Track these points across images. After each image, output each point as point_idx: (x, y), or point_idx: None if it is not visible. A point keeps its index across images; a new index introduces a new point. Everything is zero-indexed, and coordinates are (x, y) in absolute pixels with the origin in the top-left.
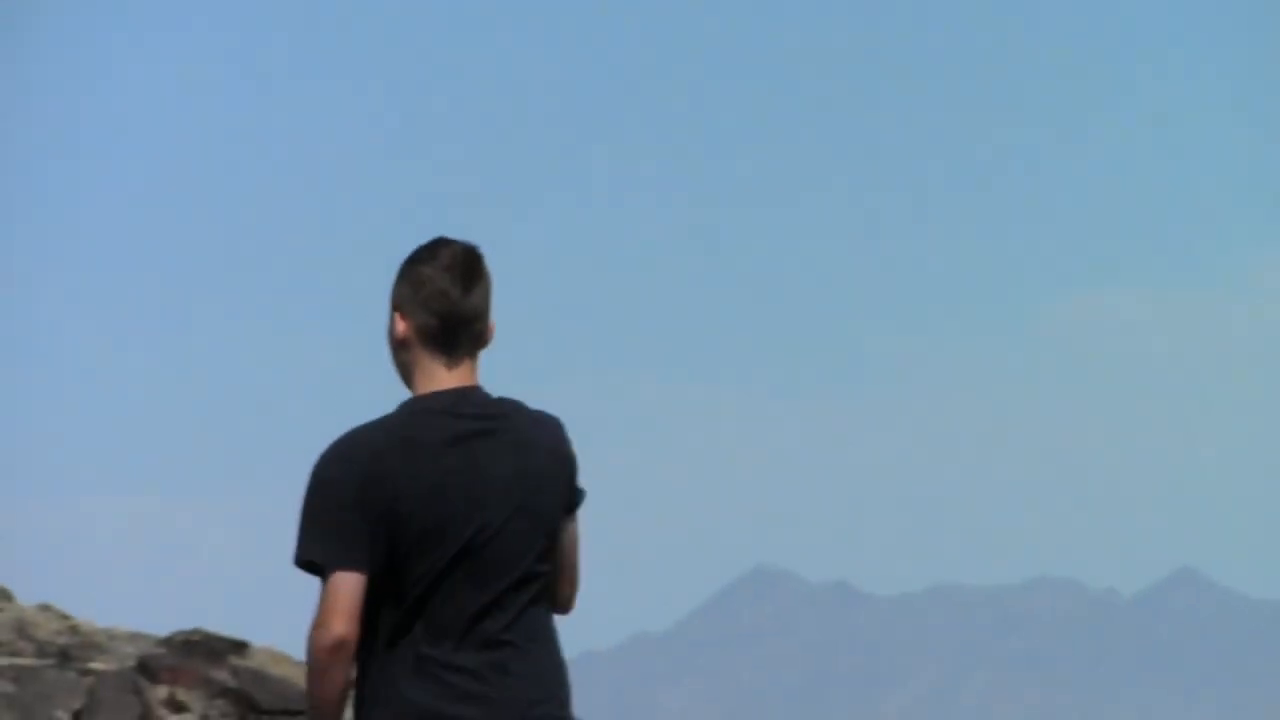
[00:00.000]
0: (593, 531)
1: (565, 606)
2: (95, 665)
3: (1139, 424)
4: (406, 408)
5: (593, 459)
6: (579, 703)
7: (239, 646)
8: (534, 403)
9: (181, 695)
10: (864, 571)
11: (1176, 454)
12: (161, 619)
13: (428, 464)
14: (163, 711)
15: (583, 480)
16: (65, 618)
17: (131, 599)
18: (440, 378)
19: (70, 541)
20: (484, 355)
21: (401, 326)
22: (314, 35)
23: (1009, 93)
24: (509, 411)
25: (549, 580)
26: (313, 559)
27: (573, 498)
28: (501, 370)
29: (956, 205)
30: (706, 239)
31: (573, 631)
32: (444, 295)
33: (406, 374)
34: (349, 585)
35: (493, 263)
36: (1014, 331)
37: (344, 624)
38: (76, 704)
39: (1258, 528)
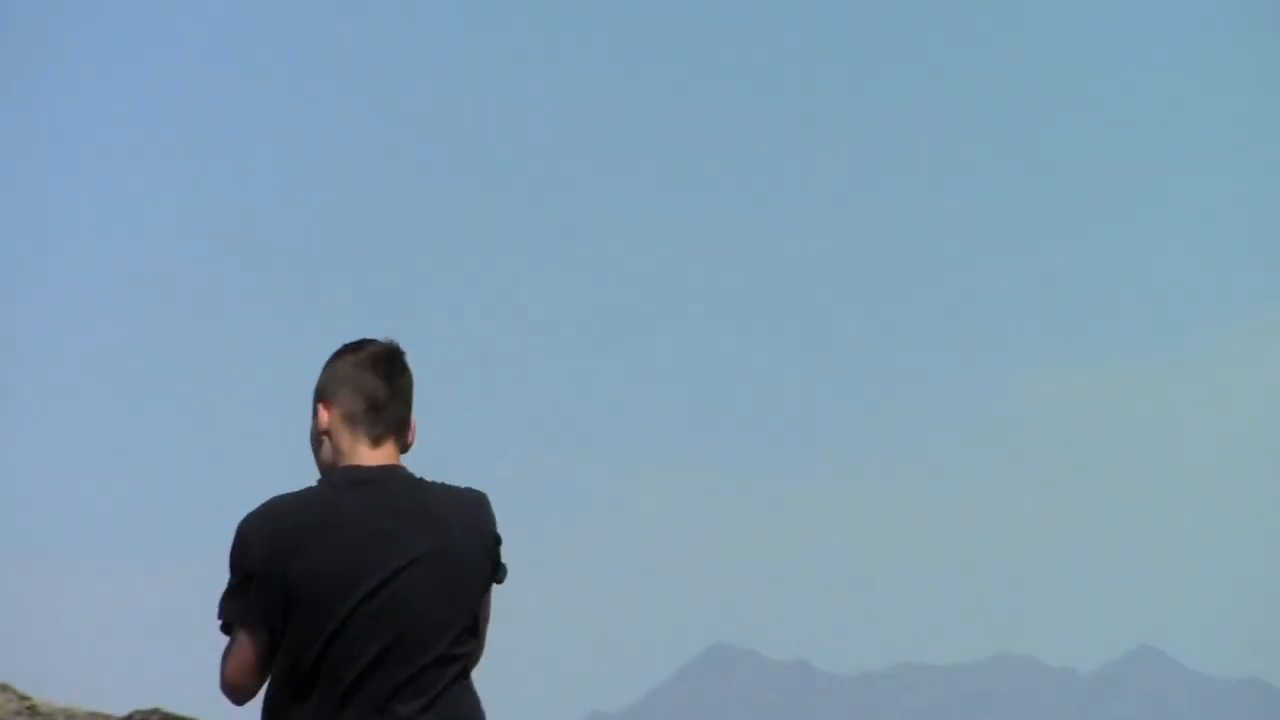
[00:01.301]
0: (549, 609)
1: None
2: None
3: (1096, 502)
4: (330, 478)
5: (550, 537)
6: None
7: None
8: (492, 479)
9: None
10: (825, 650)
11: (1135, 532)
12: (122, 697)
13: (338, 537)
14: None
15: (537, 558)
16: (24, 698)
17: (92, 676)
18: (364, 456)
19: (30, 616)
20: (430, 441)
21: (324, 416)
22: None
23: (952, 173)
24: (431, 491)
25: (470, 661)
26: (224, 618)
27: (494, 574)
28: (458, 447)
29: (906, 286)
30: (663, 317)
31: (530, 711)
32: (366, 382)
33: (327, 471)
34: (246, 643)
35: (454, 344)
36: (969, 411)
37: (238, 679)
38: None
39: (1217, 606)
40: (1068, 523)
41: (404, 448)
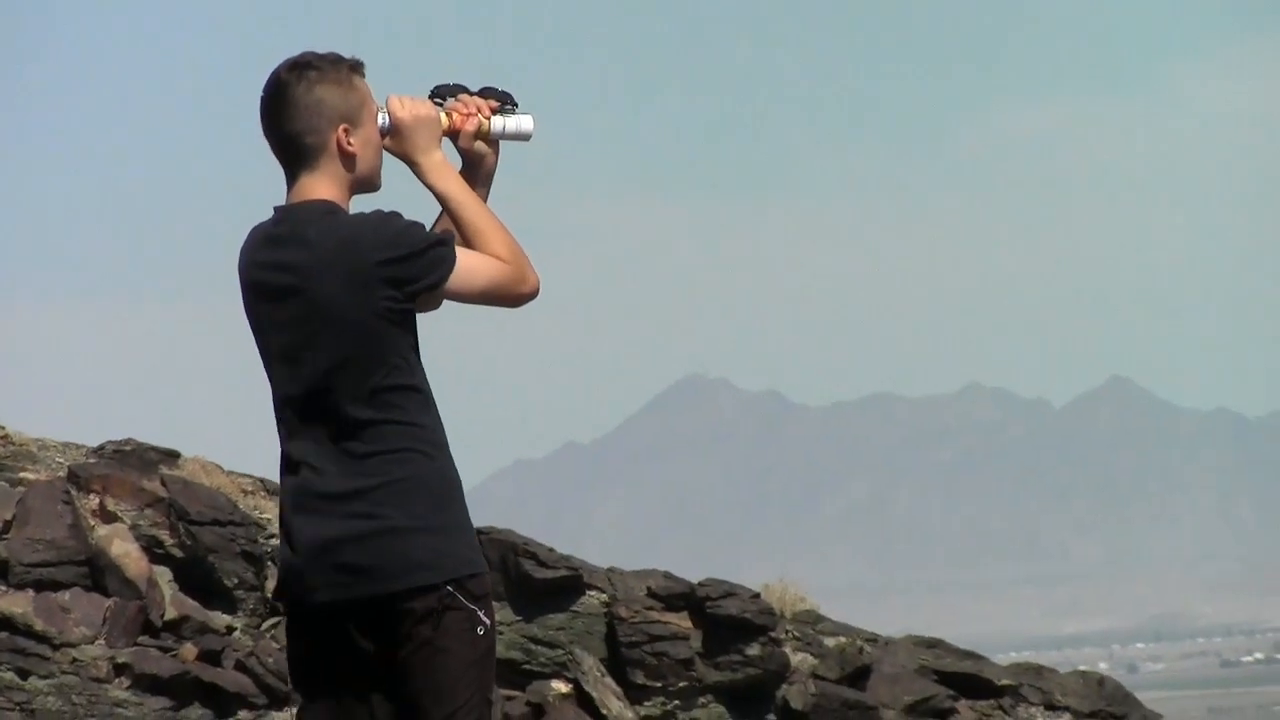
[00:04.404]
0: (525, 341)
1: (513, 296)
2: (26, 475)
3: (1070, 234)
4: (269, 219)
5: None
6: (512, 511)
7: (171, 456)
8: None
9: (112, 505)
10: (797, 381)
11: (1106, 264)
12: (94, 429)
13: (245, 291)
14: (93, 521)
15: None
16: None
17: (63, 408)
18: (287, 195)
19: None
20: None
21: None
22: None
23: None
24: (312, 231)
25: (346, 401)
26: None
27: (398, 292)
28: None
29: (879, 21)
30: (649, 59)
31: (505, 443)
32: (263, 128)
33: None
34: None
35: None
36: (942, 143)
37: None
38: (7, 514)
39: (1187, 337)
40: (1040, 255)
41: (314, 155)
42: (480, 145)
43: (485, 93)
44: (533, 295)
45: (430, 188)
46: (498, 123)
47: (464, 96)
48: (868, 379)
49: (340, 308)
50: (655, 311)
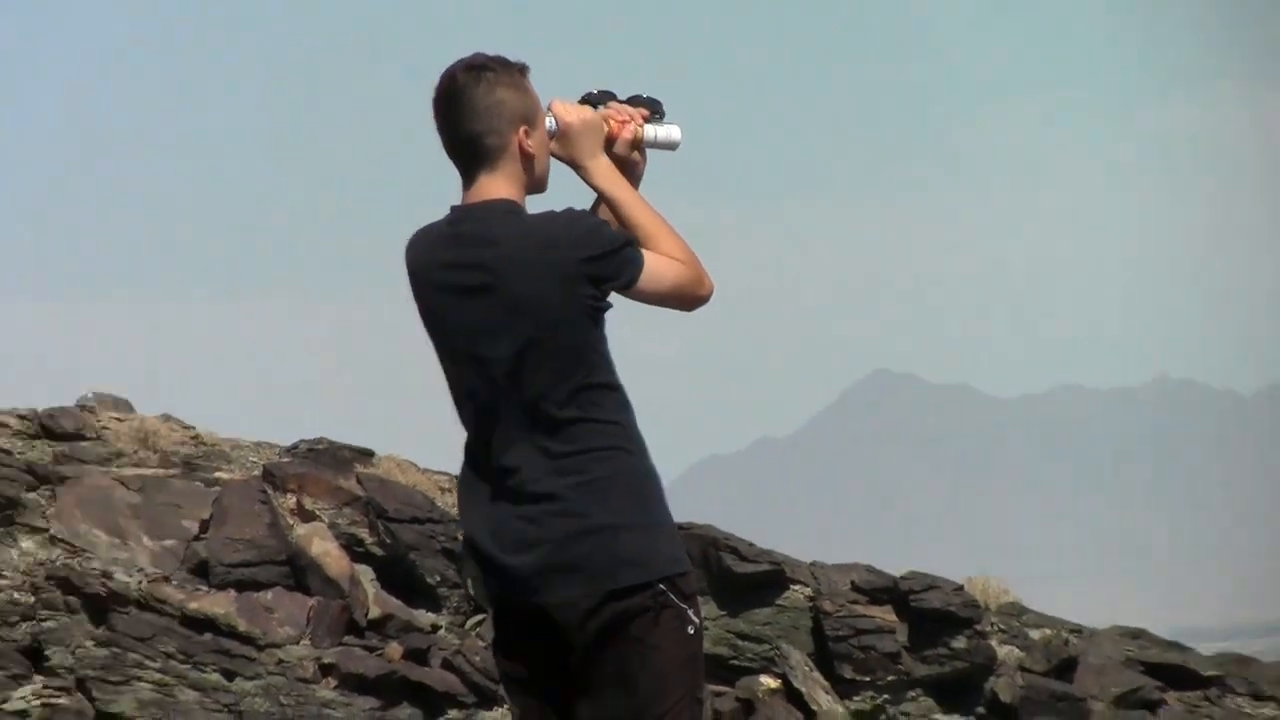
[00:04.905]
0: (717, 341)
1: (692, 297)
2: (221, 475)
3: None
4: (444, 218)
5: (724, 272)
6: (707, 505)
7: (365, 455)
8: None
9: (309, 504)
10: (985, 373)
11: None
12: (280, 429)
13: (420, 284)
14: (291, 520)
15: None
16: (188, 428)
17: (250, 409)
18: (463, 195)
19: (186, 351)
20: None
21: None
22: None
23: None
24: (500, 229)
25: (546, 399)
26: None
27: (597, 291)
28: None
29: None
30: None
31: (702, 438)
32: (439, 127)
33: None
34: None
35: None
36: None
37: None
38: (204, 513)
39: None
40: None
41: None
42: (634, 153)
43: (634, 100)
44: (709, 297)
45: (599, 191)
46: (650, 131)
47: (615, 104)
48: (1057, 371)
49: (542, 305)
50: (843, 306)
